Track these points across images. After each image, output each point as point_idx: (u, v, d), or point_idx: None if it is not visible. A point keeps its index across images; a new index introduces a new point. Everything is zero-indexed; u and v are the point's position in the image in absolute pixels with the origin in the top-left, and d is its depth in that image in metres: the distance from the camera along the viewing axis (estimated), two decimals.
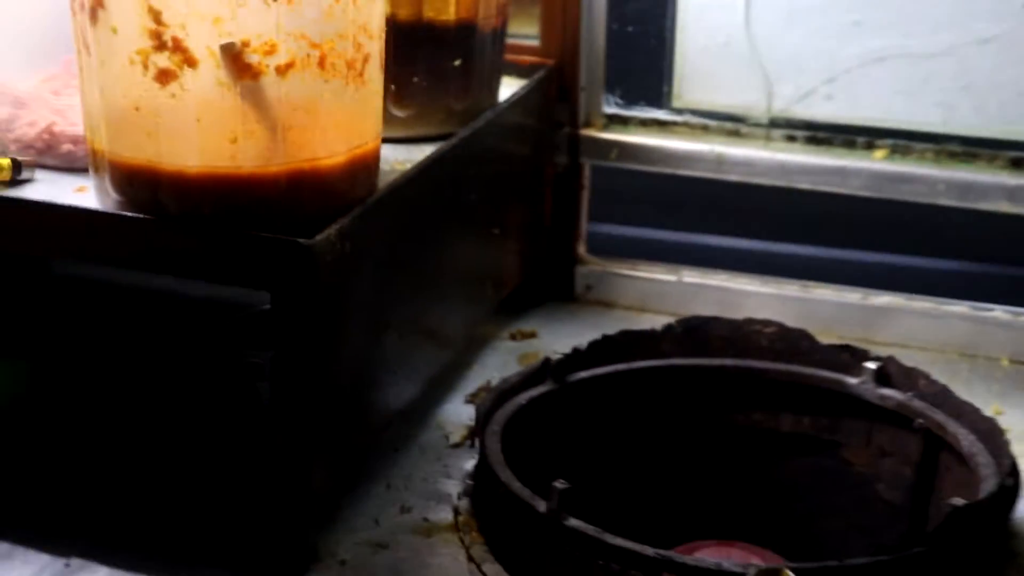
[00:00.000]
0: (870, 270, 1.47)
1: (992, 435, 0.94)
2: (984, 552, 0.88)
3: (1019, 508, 0.91)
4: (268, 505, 0.85)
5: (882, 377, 1.03)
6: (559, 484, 0.83)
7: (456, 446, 1.03)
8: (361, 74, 0.84)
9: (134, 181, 0.82)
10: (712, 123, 1.26)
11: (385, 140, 0.92)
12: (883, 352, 1.05)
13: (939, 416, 0.98)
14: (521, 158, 1.21)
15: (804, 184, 1.22)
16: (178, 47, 0.78)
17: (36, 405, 1.04)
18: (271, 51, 0.79)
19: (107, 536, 0.89)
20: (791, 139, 1.24)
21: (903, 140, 1.20)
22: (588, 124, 1.28)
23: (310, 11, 0.79)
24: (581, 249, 1.31)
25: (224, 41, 0.77)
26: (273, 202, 0.82)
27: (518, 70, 1.20)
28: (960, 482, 0.94)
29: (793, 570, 0.74)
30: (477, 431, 0.96)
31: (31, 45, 0.95)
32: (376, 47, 0.86)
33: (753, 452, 1.06)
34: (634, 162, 1.27)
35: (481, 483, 0.94)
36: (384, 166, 0.93)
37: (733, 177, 1.24)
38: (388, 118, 0.96)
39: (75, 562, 0.86)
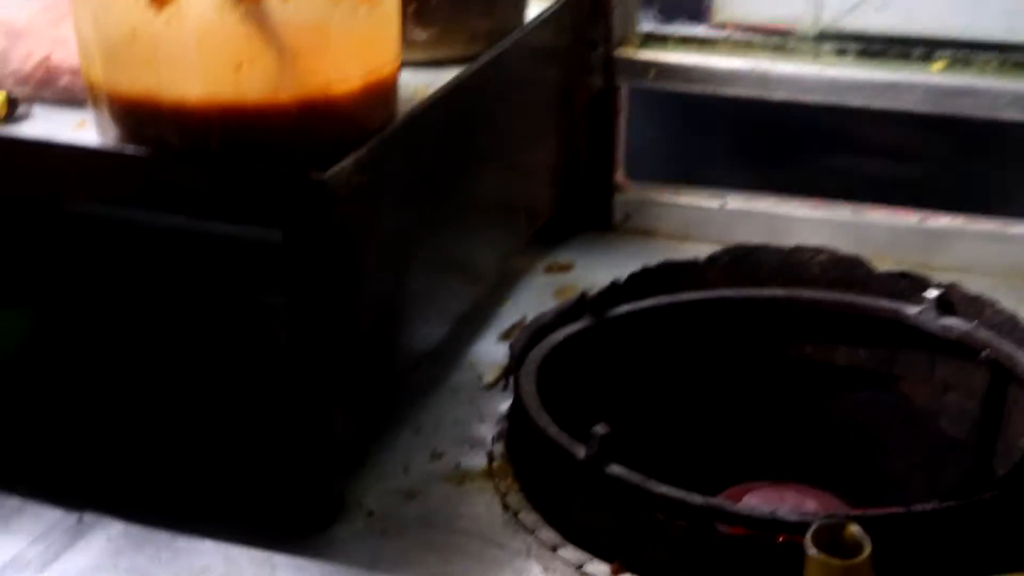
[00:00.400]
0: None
1: None
2: None
3: None
4: (289, 453, 0.81)
5: (944, 305, 0.96)
6: (600, 429, 0.78)
7: (490, 387, 0.98)
8: None
9: (134, 114, 0.78)
10: (756, 38, 1.20)
11: (404, 65, 0.87)
12: (943, 279, 0.99)
13: (1007, 347, 0.92)
14: (552, 81, 1.15)
15: (856, 101, 1.16)
16: None
17: (44, 353, 1.00)
18: None
19: (121, 490, 0.85)
20: (841, 53, 1.18)
21: (963, 51, 1.14)
22: (623, 43, 1.22)
23: None
24: (619, 176, 1.24)
25: None
26: (283, 133, 0.77)
27: None
28: None
29: (856, 518, 0.68)
30: (511, 371, 0.91)
31: None
32: None
33: (806, 388, 1.01)
34: (673, 82, 1.21)
35: (516, 427, 0.89)
36: (404, 93, 0.88)
37: (779, 95, 1.17)
38: (407, 41, 0.91)
39: (88, 517, 0.82)
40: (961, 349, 0.95)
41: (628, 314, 0.99)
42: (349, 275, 0.79)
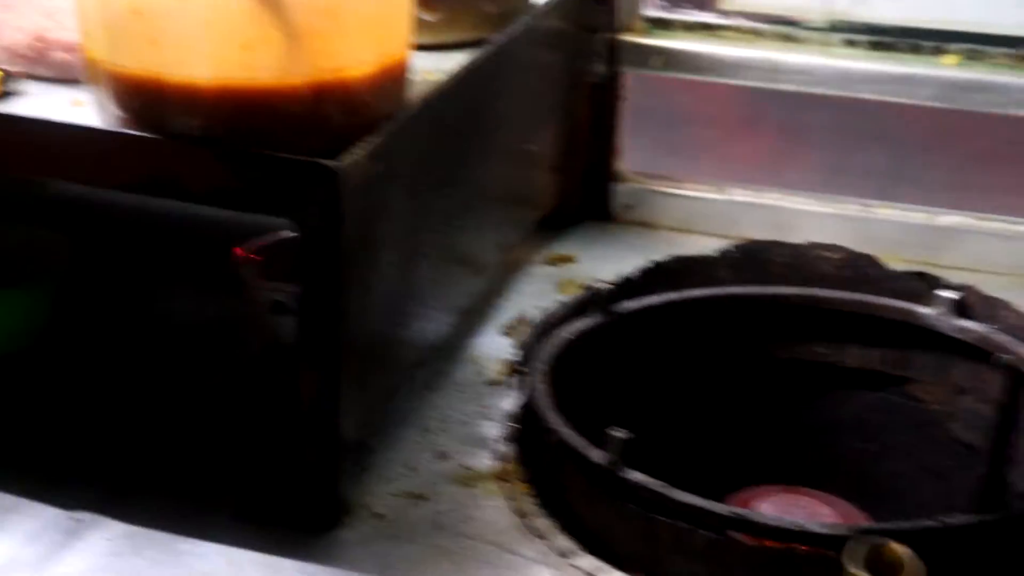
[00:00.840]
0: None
1: None
2: None
3: None
4: (294, 452, 0.77)
5: (960, 307, 0.94)
6: (619, 433, 0.75)
7: (493, 383, 0.95)
8: None
9: (137, 95, 0.74)
10: (765, 27, 1.17)
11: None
12: (953, 277, 0.97)
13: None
14: (557, 67, 1.12)
15: (866, 93, 1.13)
16: None
17: (42, 348, 0.96)
18: None
19: (120, 487, 0.81)
20: (851, 44, 1.15)
21: (976, 44, 1.11)
22: (627, 28, 1.18)
23: None
24: (620, 165, 1.21)
25: None
26: (294, 118, 0.73)
27: None
28: None
29: (889, 532, 0.66)
30: (520, 369, 0.88)
31: None
32: None
33: (817, 388, 0.99)
34: (678, 70, 1.17)
35: (526, 428, 0.86)
36: (412, 77, 0.83)
37: (788, 86, 1.15)
38: (416, 23, 0.86)
39: (85, 516, 0.78)
40: (976, 352, 0.93)
41: (639, 310, 0.96)
42: (361, 266, 0.76)
